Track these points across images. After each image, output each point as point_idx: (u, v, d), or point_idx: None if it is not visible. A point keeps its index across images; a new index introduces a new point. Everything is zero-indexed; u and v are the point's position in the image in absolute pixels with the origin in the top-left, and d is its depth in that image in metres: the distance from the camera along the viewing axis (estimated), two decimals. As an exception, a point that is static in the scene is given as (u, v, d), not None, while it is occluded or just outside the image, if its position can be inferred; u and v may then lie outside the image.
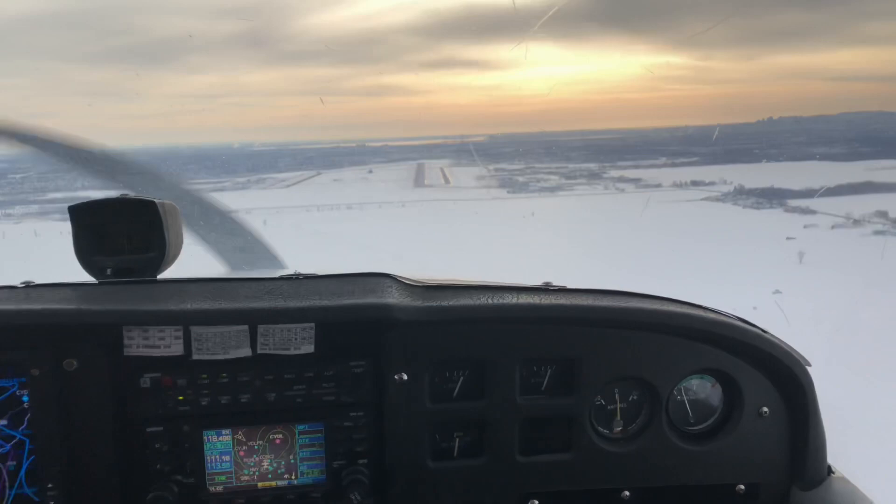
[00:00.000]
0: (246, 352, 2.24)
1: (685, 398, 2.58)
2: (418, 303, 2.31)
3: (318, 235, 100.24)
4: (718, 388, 2.61)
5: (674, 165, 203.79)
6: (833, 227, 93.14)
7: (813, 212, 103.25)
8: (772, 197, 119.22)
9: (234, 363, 2.25)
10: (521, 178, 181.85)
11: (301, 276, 2.50)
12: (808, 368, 2.33)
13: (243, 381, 2.31)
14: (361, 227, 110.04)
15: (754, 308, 45.47)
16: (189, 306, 2.25)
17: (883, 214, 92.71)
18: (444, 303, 2.31)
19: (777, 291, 64.99)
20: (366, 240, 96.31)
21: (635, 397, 2.54)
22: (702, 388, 2.61)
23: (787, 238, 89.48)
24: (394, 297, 2.32)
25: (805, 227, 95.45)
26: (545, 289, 2.45)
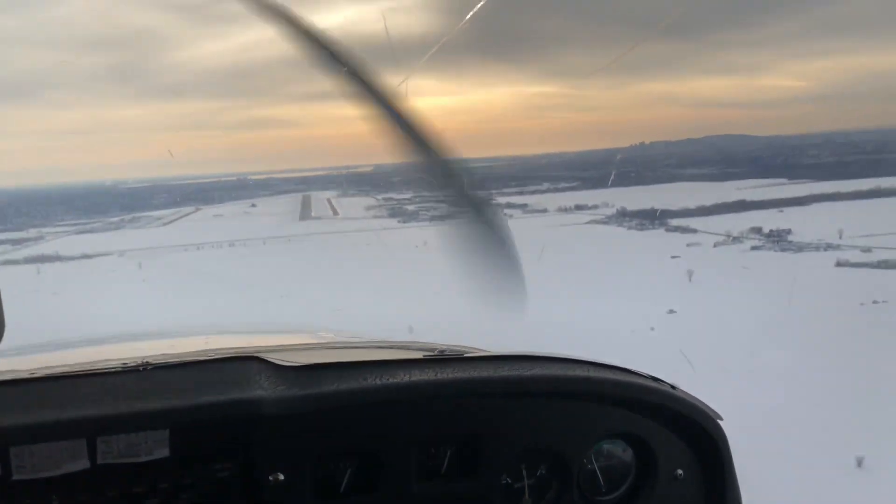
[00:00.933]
0: (83, 464, 1.76)
1: (596, 466, 2.32)
2: (294, 391, 1.98)
3: (199, 275, 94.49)
4: (630, 453, 2.36)
5: (557, 191, 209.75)
6: (715, 245, 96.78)
7: (694, 230, 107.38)
8: (653, 218, 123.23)
9: (68, 480, 1.75)
10: (410, 207, 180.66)
11: (149, 367, 2.01)
12: (721, 422, 2.17)
13: (81, 502, 1.81)
14: (245, 264, 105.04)
15: (652, 329, 44.26)
16: (4, 422, 1.74)
17: (757, 230, 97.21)
18: (324, 388, 2.00)
19: (672, 311, 65.51)
20: (250, 277, 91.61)
21: (544, 471, 2.27)
22: (613, 454, 2.36)
23: (673, 257, 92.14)
24: (263, 389, 1.97)
25: (688, 245, 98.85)
26: (439, 359, 2.13)
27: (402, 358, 2.09)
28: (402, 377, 2.01)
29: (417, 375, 2.00)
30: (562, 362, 2.22)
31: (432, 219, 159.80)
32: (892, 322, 54.57)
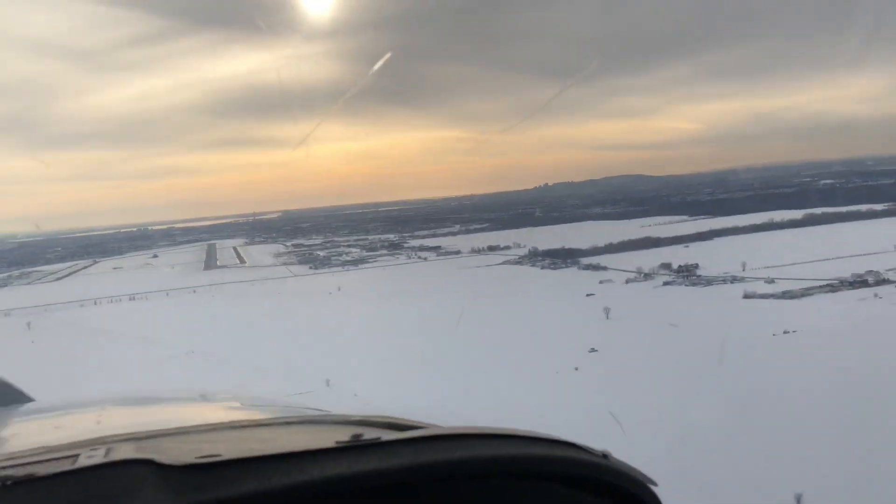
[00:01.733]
0: None
1: None
2: (184, 501, 1.62)
3: (96, 333, 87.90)
4: None
5: (468, 232, 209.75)
6: (627, 282, 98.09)
7: (605, 268, 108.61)
8: (565, 256, 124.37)
9: None
10: (321, 253, 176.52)
11: (9, 483, 1.56)
12: (655, 488, 2.08)
13: None
14: (147, 319, 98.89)
15: (576, 368, 42.51)
16: None
17: (667, 266, 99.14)
18: (221, 493, 1.64)
19: (593, 350, 64.94)
20: (153, 333, 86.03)
21: None
22: None
23: (588, 295, 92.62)
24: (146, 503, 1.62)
25: (601, 282, 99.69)
26: (355, 445, 1.86)
27: (311, 448, 1.72)
28: (313, 472, 1.65)
29: (331, 468, 1.67)
30: (488, 439, 1.91)
31: (345, 264, 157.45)
32: (806, 351, 55.98)
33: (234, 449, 1.62)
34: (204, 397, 3.09)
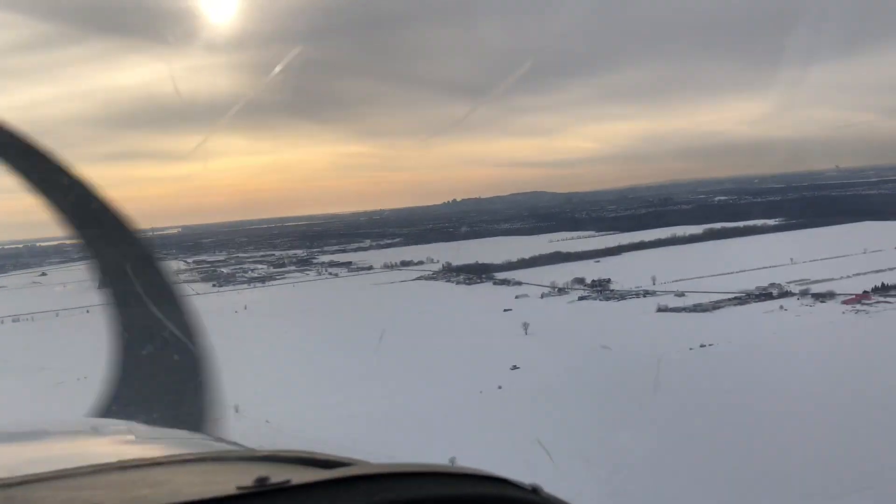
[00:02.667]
0: None
1: None
2: None
3: (-28, 360, 79.78)
4: None
5: (379, 247, 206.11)
6: (543, 296, 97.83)
7: (519, 283, 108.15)
8: (479, 272, 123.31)
9: None
10: (225, 270, 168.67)
11: None
12: None
13: None
14: (34, 342, 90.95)
15: (499, 387, 40.52)
16: None
17: (581, 281, 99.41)
18: None
19: (515, 367, 63.44)
20: (41, 358, 78.92)
21: None
22: None
23: (505, 310, 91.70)
24: None
25: (517, 297, 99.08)
26: (259, 491, 1.48)
27: (207, 497, 1.42)
28: None
29: None
30: (412, 478, 1.64)
31: (251, 281, 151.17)
32: (723, 364, 56.72)
33: (117, 498, 1.42)
34: (95, 430, 2.81)
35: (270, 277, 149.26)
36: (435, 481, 1.62)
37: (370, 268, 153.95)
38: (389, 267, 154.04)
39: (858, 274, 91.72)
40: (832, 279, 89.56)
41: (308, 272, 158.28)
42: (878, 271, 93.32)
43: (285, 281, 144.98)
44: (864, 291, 78.30)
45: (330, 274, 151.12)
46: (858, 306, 73.19)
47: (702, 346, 62.12)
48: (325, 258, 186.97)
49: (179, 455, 1.82)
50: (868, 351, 55.92)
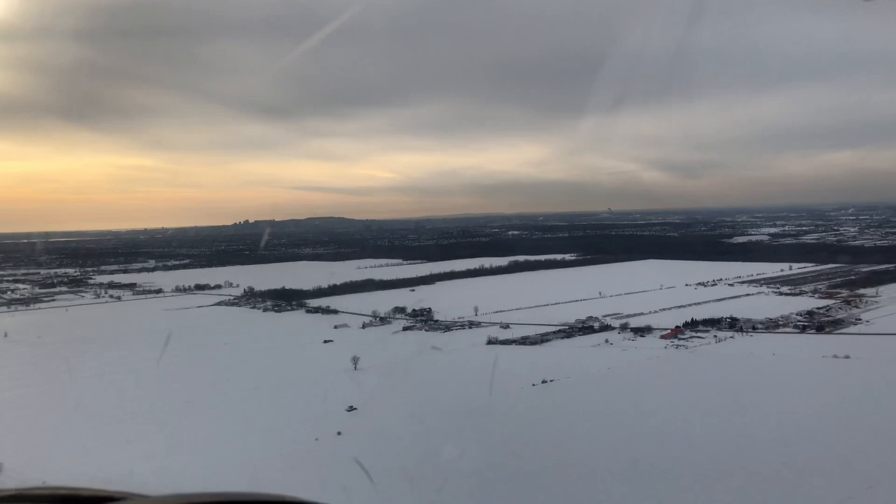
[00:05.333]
0: None
1: None
2: None
3: None
4: None
5: (167, 268, 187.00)
6: (364, 326, 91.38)
7: (335, 311, 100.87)
8: (287, 298, 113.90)
9: None
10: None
11: None
12: None
13: None
14: None
15: (338, 433, 32.96)
16: None
17: (402, 310, 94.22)
18: None
19: (352, 408, 56.37)
20: None
21: None
22: None
23: (325, 341, 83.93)
24: None
25: (336, 327, 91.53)
26: None
27: None
28: None
29: None
30: None
31: (11, 304, 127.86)
32: (569, 401, 54.39)
33: None
34: None
35: (36, 299, 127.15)
36: None
37: (159, 291, 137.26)
38: (182, 290, 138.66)
39: (664, 309, 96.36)
40: (642, 313, 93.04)
41: (83, 294, 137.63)
42: (679, 307, 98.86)
43: (55, 304, 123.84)
44: (677, 326, 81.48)
45: (111, 297, 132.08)
46: (676, 341, 75.62)
47: (544, 381, 59.57)
48: (103, 279, 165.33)
49: None
50: (700, 385, 56.50)
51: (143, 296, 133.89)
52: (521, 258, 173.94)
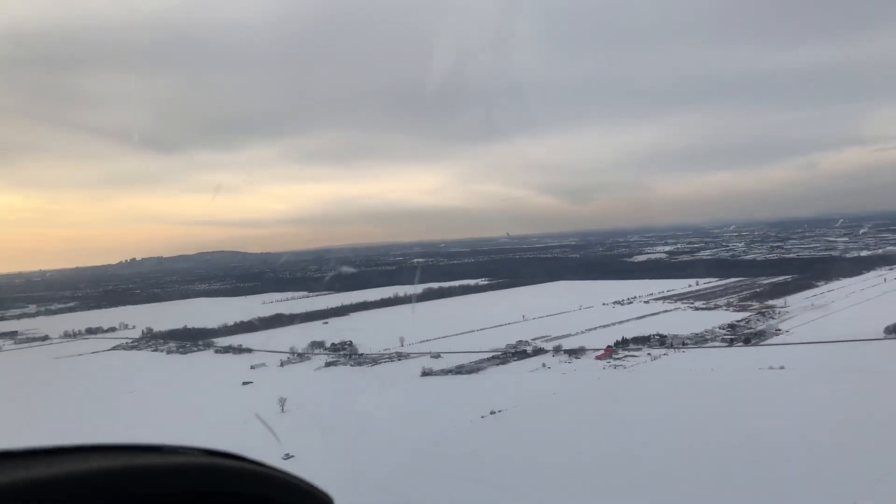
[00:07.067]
0: None
1: None
2: None
3: None
4: None
5: (50, 313, 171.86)
6: (283, 364, 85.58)
7: (248, 349, 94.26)
8: (191, 338, 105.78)
9: None
10: None
11: None
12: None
13: None
14: None
15: None
16: None
17: (320, 345, 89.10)
18: None
19: (288, 456, 51.38)
20: None
21: None
22: None
23: (245, 383, 77.65)
24: None
25: (252, 367, 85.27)
26: None
27: None
28: None
29: None
30: (114, 452, 1.42)
31: None
32: (523, 431, 51.47)
33: None
34: None
35: None
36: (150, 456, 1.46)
37: (45, 338, 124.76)
38: (72, 336, 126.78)
39: (590, 329, 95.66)
40: (570, 334, 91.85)
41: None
42: (604, 326, 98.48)
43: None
44: (609, 346, 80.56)
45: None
46: (612, 361, 74.49)
47: (492, 412, 56.42)
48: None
49: None
50: (654, 404, 55.06)
51: (27, 344, 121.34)
52: (434, 285, 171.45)
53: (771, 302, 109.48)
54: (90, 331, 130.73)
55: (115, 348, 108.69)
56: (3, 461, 1.23)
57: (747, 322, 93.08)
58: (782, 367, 64.94)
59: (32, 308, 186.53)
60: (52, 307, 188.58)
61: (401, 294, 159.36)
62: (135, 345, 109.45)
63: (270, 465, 1.54)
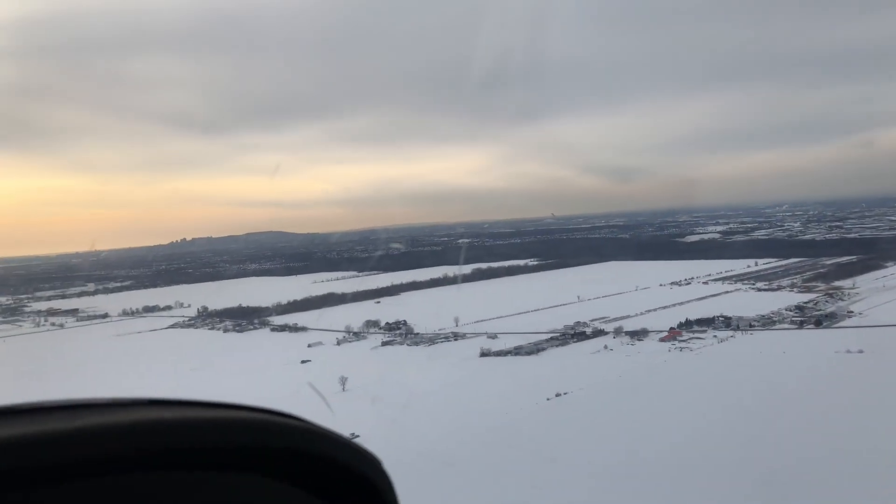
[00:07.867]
0: None
1: None
2: None
3: None
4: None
5: (108, 291, 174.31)
6: (339, 343, 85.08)
7: (303, 328, 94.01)
8: (247, 316, 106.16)
9: None
10: None
11: None
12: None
13: None
14: None
15: None
16: None
17: (375, 324, 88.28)
18: None
19: (354, 435, 50.71)
20: None
21: None
22: None
23: (303, 362, 77.39)
24: None
25: (309, 346, 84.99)
26: None
27: None
28: None
29: None
30: (138, 407, 1.38)
31: None
32: (585, 413, 50.12)
33: None
34: None
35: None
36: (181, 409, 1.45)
37: (105, 316, 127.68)
38: (130, 314, 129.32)
39: (649, 311, 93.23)
40: (629, 316, 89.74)
41: (20, 323, 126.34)
42: (663, 307, 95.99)
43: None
44: (672, 328, 78.39)
45: (52, 325, 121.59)
46: (677, 342, 72.41)
47: (557, 394, 55.23)
48: (40, 306, 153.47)
49: None
50: (731, 388, 53.09)
51: (88, 322, 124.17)
52: (482, 265, 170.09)
53: (838, 283, 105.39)
54: (147, 309, 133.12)
55: (172, 326, 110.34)
56: (79, 410, 1.27)
57: (815, 304, 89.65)
58: (861, 351, 62.12)
59: (91, 287, 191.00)
60: (109, 286, 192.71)
61: (449, 274, 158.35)
62: (192, 323, 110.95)
63: (323, 425, 1.57)
